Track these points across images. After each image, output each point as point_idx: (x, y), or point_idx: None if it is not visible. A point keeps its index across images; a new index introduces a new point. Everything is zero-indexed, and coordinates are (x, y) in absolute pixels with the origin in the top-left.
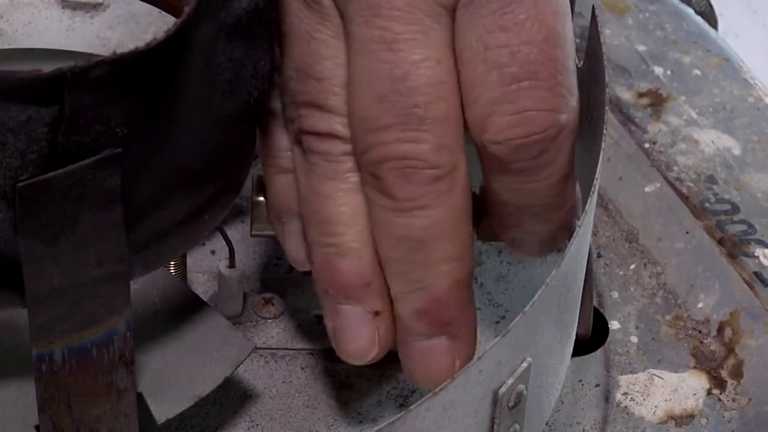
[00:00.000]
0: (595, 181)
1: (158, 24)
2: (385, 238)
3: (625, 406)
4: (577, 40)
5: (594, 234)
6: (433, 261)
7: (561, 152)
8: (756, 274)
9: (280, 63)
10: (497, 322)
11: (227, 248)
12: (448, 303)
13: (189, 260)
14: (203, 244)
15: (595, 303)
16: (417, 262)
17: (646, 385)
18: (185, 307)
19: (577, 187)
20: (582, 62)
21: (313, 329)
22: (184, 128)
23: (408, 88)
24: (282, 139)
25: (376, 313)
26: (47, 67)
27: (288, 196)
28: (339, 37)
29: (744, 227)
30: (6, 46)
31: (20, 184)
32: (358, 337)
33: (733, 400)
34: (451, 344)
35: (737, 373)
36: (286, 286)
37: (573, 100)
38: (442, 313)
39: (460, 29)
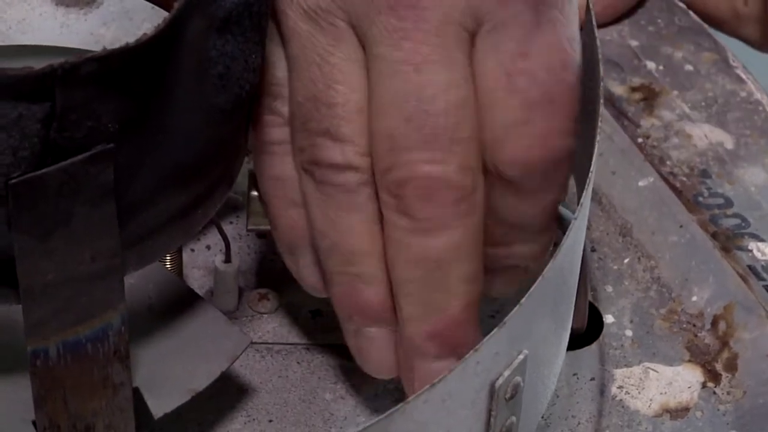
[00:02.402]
0: (590, 175)
1: (152, 20)
2: (401, 260)
3: (620, 400)
4: None
5: (588, 228)
6: (450, 282)
7: (563, 174)
8: (750, 267)
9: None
10: (492, 317)
11: (223, 243)
12: (461, 325)
13: (184, 255)
14: (199, 239)
15: (589, 297)
16: (433, 283)
17: (641, 379)
18: (181, 302)
19: (571, 181)
20: None
21: (308, 324)
22: (177, 123)
23: (436, 110)
24: (288, 169)
25: None
26: (39, 64)
27: (300, 230)
28: (352, 60)
29: (737, 221)
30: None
31: (12, 180)
32: (388, 356)
33: (728, 393)
34: None
35: (732, 366)
36: (282, 281)
37: (577, 123)
38: (455, 336)
39: (481, 54)
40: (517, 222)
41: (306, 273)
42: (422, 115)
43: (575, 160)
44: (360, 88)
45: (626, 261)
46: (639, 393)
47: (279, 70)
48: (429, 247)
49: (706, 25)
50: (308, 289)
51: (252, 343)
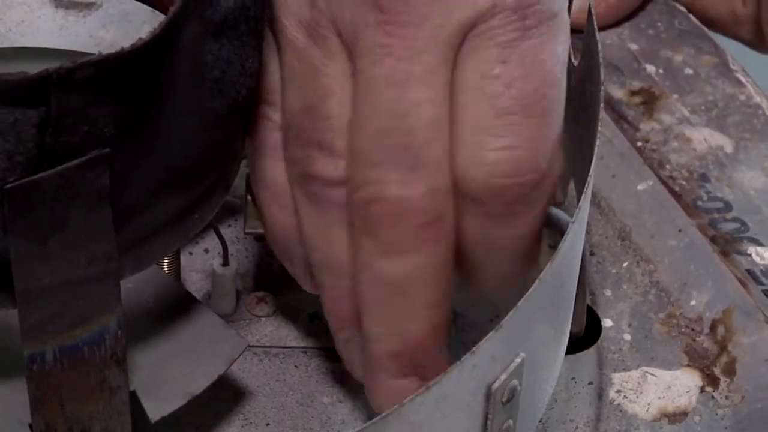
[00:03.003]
0: (589, 178)
1: (152, 22)
2: (366, 280)
3: (619, 404)
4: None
5: (587, 232)
6: (413, 307)
7: (536, 204)
8: (749, 271)
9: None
10: (491, 320)
11: (221, 246)
12: (424, 348)
13: (182, 258)
14: (196, 242)
15: (588, 301)
16: (396, 306)
17: (639, 383)
18: (178, 306)
19: (571, 185)
20: (578, 60)
21: (306, 327)
22: (173, 127)
23: (406, 127)
24: (282, 176)
25: None
26: (38, 67)
27: (294, 234)
28: (344, 73)
29: (737, 225)
30: None
31: (8, 185)
32: None
33: (726, 397)
34: (420, 384)
35: (730, 370)
36: (280, 284)
37: (557, 151)
38: (417, 357)
39: (462, 60)
40: (487, 249)
41: (300, 275)
42: (390, 132)
43: (557, 189)
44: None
45: (625, 265)
46: (637, 397)
47: (275, 77)
48: (393, 270)
49: (706, 29)
50: (304, 287)
51: (249, 346)
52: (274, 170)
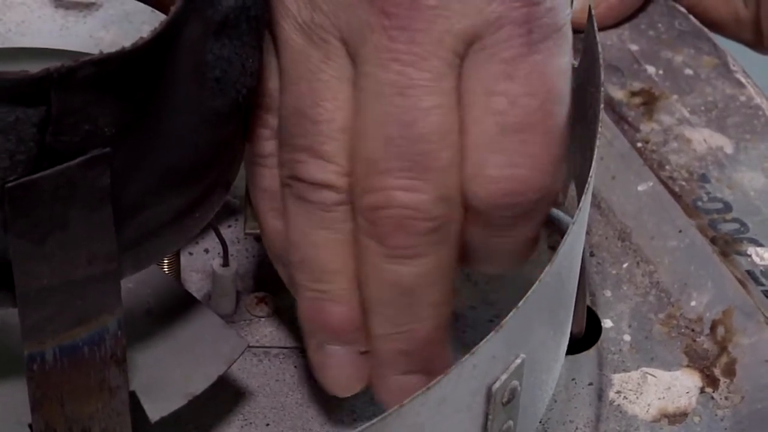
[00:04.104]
0: (589, 179)
1: (152, 23)
2: (373, 282)
3: (618, 405)
4: None
5: (587, 233)
6: (419, 306)
7: (537, 216)
8: (748, 272)
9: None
10: (491, 321)
11: (221, 247)
12: (430, 344)
13: (182, 259)
14: (197, 243)
15: (588, 301)
16: (403, 306)
17: (639, 384)
18: (178, 306)
19: (571, 185)
20: (578, 61)
21: None
22: (173, 127)
23: (415, 135)
24: (277, 181)
25: (363, 352)
26: (38, 67)
27: (286, 240)
28: (342, 79)
29: (736, 226)
30: None
31: (9, 184)
32: (346, 374)
33: (726, 398)
34: (427, 379)
35: (730, 371)
36: (280, 284)
37: (560, 165)
38: (423, 354)
39: (467, 74)
40: (487, 252)
41: (290, 281)
42: (400, 140)
43: (558, 201)
44: (347, 106)
45: (625, 266)
46: (637, 398)
47: (272, 81)
48: (400, 273)
49: (706, 30)
50: (294, 294)
51: (249, 346)
52: (269, 176)
